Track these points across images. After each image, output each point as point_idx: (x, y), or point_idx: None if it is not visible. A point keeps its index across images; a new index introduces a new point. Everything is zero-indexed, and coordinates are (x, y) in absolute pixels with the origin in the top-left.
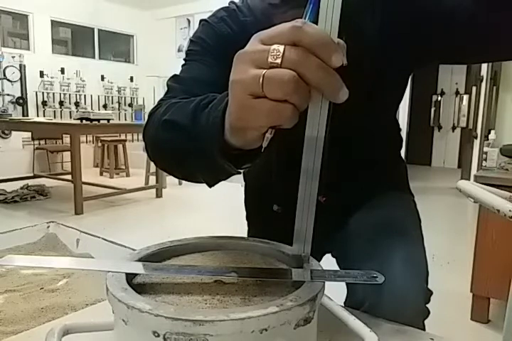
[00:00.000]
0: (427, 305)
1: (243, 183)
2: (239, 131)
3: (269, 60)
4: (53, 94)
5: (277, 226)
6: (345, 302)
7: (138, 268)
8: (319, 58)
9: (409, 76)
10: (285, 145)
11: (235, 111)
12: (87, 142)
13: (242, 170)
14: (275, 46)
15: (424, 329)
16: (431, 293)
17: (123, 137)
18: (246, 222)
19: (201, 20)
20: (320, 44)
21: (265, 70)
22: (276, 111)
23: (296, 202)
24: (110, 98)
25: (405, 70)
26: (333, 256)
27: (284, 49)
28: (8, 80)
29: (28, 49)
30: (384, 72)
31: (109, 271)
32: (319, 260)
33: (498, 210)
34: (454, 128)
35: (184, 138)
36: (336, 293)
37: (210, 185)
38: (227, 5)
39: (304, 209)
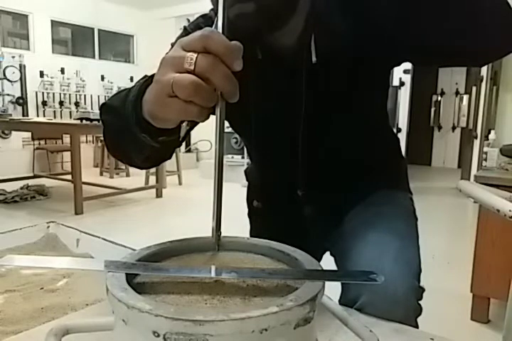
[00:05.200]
0: (420, 303)
1: (243, 183)
2: (154, 118)
3: (185, 66)
4: (53, 94)
5: (258, 221)
6: (339, 300)
7: (138, 268)
8: (225, 63)
9: (389, 76)
10: (268, 147)
11: (152, 105)
12: (87, 142)
13: (158, 144)
14: (190, 54)
15: (417, 326)
16: (423, 290)
17: None
18: (245, 222)
19: (184, 27)
20: (224, 51)
21: (176, 75)
22: (184, 109)
23: (271, 198)
24: None
25: (382, 70)
26: (331, 254)
27: (197, 57)
28: (8, 80)
29: (28, 49)
30: (361, 71)
31: (109, 271)
32: (319, 259)
33: (498, 210)
34: (454, 128)
35: (117, 118)
36: (334, 292)
37: (141, 167)
38: (207, 12)
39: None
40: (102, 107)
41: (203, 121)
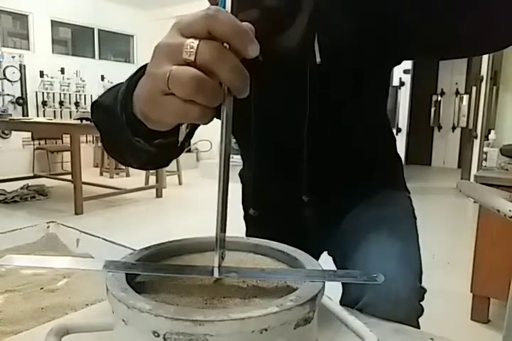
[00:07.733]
0: (421, 303)
1: None
2: (147, 119)
3: (184, 56)
4: (53, 94)
5: (255, 229)
6: (341, 301)
7: (138, 268)
8: (235, 48)
9: (389, 75)
10: (270, 151)
11: (144, 104)
12: (87, 142)
13: (154, 148)
14: (190, 41)
15: (418, 326)
16: (424, 290)
17: None
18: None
19: None
20: (234, 34)
21: (173, 67)
22: (182, 110)
23: (269, 207)
24: None
25: (383, 67)
26: (329, 254)
27: (198, 45)
28: (8, 80)
29: (28, 49)
30: (362, 69)
31: (109, 271)
32: (317, 258)
33: (498, 210)
34: (454, 128)
35: (109, 118)
36: (334, 292)
37: (142, 169)
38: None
39: (220, 205)
40: (93, 106)
41: (206, 123)
